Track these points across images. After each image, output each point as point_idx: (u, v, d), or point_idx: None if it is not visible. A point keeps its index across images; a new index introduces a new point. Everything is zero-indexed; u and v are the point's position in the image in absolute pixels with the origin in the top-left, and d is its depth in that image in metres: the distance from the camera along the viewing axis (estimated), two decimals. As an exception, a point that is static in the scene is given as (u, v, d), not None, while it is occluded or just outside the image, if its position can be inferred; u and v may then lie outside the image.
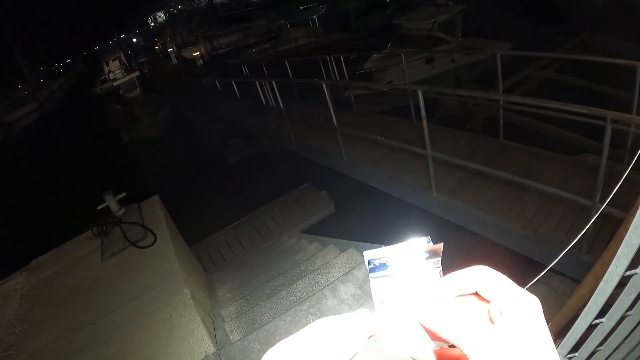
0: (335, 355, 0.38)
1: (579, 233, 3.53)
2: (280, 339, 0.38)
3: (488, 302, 0.40)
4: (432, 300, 0.41)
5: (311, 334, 0.39)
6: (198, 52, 27.29)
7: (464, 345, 0.37)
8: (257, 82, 7.86)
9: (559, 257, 1.24)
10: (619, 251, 1.00)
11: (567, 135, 6.40)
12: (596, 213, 3.08)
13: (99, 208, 4.03)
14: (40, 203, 12.66)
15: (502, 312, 0.37)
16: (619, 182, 1.31)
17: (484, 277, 0.40)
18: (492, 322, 0.39)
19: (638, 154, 1.29)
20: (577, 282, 3.59)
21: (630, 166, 1.33)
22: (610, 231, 3.48)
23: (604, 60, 4.89)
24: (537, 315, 0.36)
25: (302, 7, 33.23)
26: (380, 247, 0.43)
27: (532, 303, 0.37)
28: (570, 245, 1.29)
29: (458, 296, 0.42)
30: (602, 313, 1.18)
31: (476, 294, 0.41)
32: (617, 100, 6.78)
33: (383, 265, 0.42)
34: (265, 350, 0.38)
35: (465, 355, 0.37)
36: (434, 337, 0.40)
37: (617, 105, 3.54)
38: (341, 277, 3.20)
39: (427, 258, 0.42)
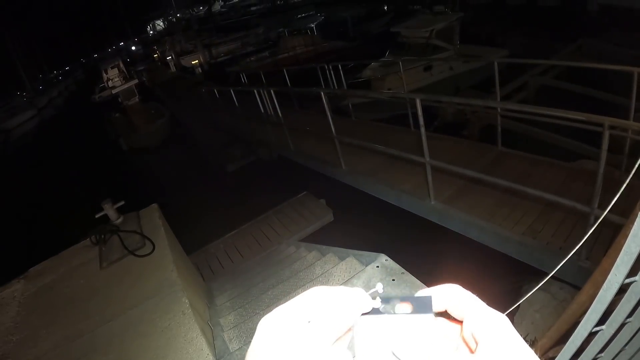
0: (330, 327, 0.38)
1: (578, 239, 3.53)
2: None
3: (459, 322, 0.41)
4: (410, 335, 0.40)
5: (307, 303, 0.39)
6: (197, 60, 27.39)
7: None
8: (255, 91, 7.88)
9: (560, 266, 1.24)
10: (618, 259, 1.01)
11: (565, 142, 6.43)
12: (595, 219, 3.09)
13: (97, 216, 4.02)
14: (38, 210, 12.62)
15: (474, 337, 0.38)
16: (619, 190, 1.31)
17: (454, 296, 0.41)
18: (466, 343, 0.40)
19: (639, 162, 1.30)
20: (576, 288, 3.59)
21: (631, 175, 1.33)
22: (608, 237, 3.48)
23: (600, 67, 4.92)
24: (508, 334, 0.37)
25: (300, 16, 33.52)
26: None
27: (500, 322, 0.37)
28: (571, 254, 1.29)
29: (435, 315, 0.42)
30: (602, 320, 1.18)
31: (446, 313, 0.42)
32: (614, 106, 6.83)
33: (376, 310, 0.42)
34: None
35: None
36: None
37: (614, 111, 3.56)
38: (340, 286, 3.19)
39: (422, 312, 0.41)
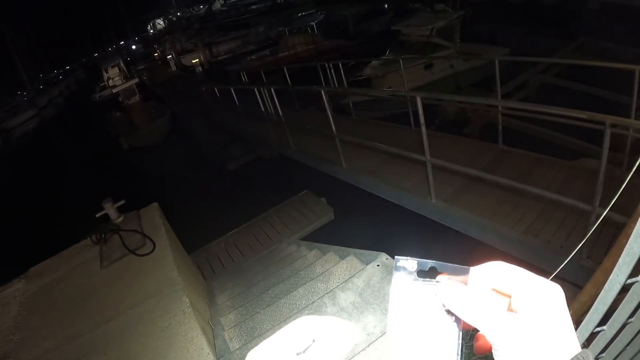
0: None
1: (579, 237, 3.53)
2: None
3: (508, 296, 0.40)
4: (456, 285, 0.41)
5: (295, 335, 0.39)
6: (197, 59, 27.36)
7: (486, 331, 0.38)
8: (255, 89, 7.87)
9: (563, 265, 1.23)
10: (620, 260, 1.00)
11: (566, 140, 6.42)
12: (597, 218, 3.08)
13: (97, 215, 4.02)
14: (38, 210, 12.62)
15: (523, 304, 0.37)
16: (620, 188, 1.30)
17: (499, 273, 0.40)
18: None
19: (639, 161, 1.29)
20: (577, 286, 3.58)
21: (632, 172, 1.32)
22: (610, 235, 3.48)
23: (602, 65, 4.91)
24: (558, 302, 0.37)
25: (300, 14, 33.47)
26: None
27: (553, 291, 0.38)
28: (573, 253, 1.28)
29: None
30: (603, 321, 1.17)
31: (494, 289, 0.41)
32: (616, 104, 6.81)
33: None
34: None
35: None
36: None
37: (615, 109, 3.55)
38: (341, 285, 3.18)
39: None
